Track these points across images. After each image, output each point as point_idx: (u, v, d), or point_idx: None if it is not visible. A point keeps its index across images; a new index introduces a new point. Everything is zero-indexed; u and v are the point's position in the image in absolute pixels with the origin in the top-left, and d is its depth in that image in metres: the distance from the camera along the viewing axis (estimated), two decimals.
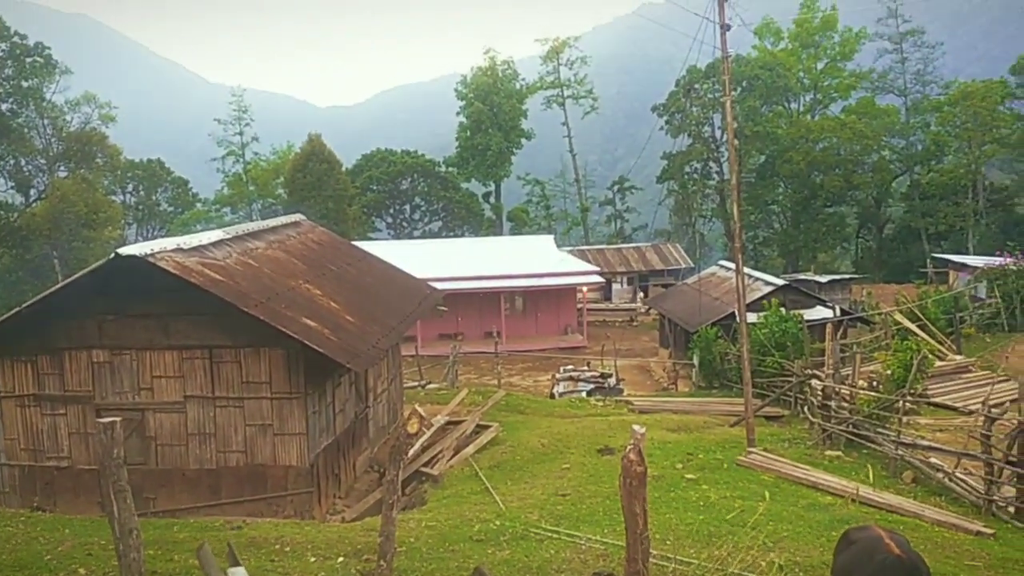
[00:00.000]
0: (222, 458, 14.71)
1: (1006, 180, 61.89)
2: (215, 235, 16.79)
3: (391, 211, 68.56)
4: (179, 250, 14.65)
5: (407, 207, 69.01)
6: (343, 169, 60.39)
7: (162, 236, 58.68)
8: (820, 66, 64.59)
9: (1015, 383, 17.96)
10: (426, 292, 22.99)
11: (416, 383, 28.16)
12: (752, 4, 19.54)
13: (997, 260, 38.44)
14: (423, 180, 67.60)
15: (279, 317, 14.25)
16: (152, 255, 13.79)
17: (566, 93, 71.56)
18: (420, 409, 16.41)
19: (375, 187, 66.29)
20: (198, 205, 69.41)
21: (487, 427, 19.45)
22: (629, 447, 9.21)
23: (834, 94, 65.07)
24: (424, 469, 17.03)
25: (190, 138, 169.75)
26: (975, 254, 49.81)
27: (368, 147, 74.03)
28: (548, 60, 71.33)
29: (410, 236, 64.74)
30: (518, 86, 69.84)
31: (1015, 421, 13.69)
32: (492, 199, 69.78)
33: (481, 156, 65.95)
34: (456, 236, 63.82)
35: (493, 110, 66.12)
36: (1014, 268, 35.93)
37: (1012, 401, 18.40)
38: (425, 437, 18.39)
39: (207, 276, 14.28)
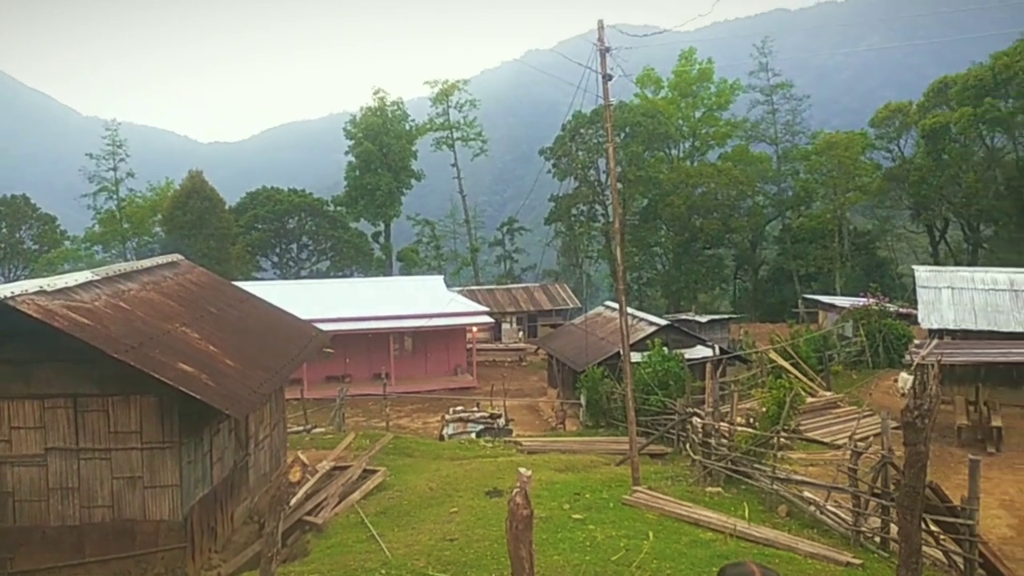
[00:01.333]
0: (86, 514, 13.80)
1: (868, 225, 66.18)
2: (83, 276, 15.92)
3: (277, 250, 67.04)
4: (42, 292, 13.80)
5: (294, 246, 67.67)
6: (226, 207, 58.69)
7: (26, 276, 55.36)
8: (698, 115, 67.76)
9: (879, 418, 19.01)
10: (312, 334, 22.45)
11: (301, 428, 27.35)
12: (632, 54, 20.27)
13: (861, 300, 40.84)
14: (311, 219, 66.51)
15: (152, 362, 13.59)
16: (11, 298, 12.93)
17: (455, 135, 72.29)
18: (303, 456, 15.94)
19: (260, 226, 64.75)
20: (66, 243, 65.76)
21: (374, 472, 19.05)
22: (515, 490, 9.19)
23: (711, 142, 68.33)
24: (307, 518, 16.48)
25: (60, 174, 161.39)
26: (842, 295, 52.80)
27: (253, 185, 72.39)
28: (438, 102, 72.00)
29: (297, 276, 63.41)
30: (408, 127, 70.10)
31: (879, 454, 14.43)
32: (382, 239, 69.33)
33: (370, 196, 65.64)
34: (345, 276, 62.89)
35: (383, 150, 66.04)
36: (876, 308, 38.25)
37: (875, 435, 19.46)
38: (309, 484, 17.84)
39: (72, 320, 13.49)
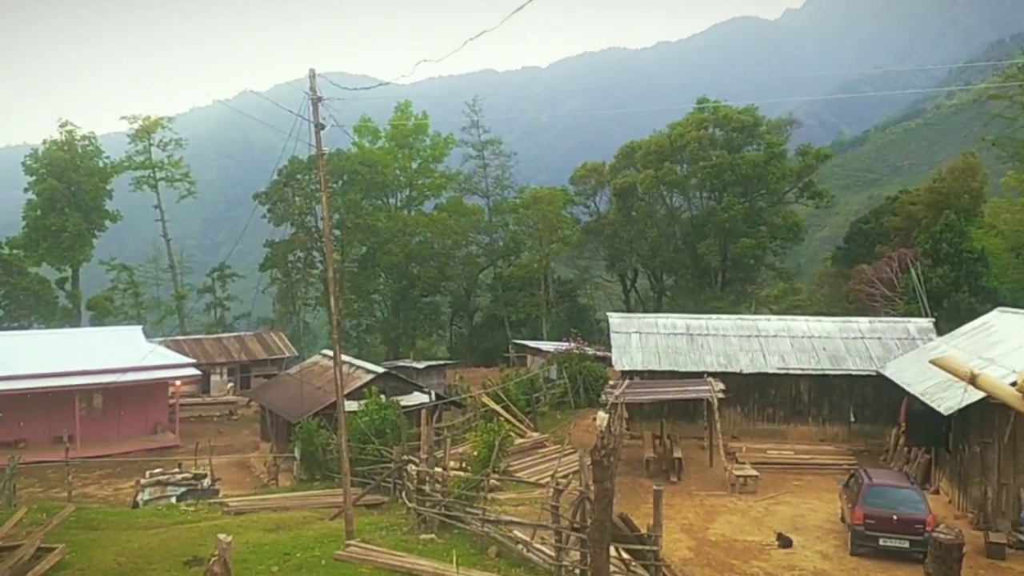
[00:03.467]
0: None
1: (570, 274, 71.49)
2: None
3: None
4: None
5: None
6: None
7: None
8: (415, 166, 69.55)
9: (578, 455, 20.31)
10: None
11: None
12: (350, 103, 20.30)
13: (564, 345, 43.76)
14: None
15: None
16: None
17: (159, 175, 67.65)
18: None
19: None
20: None
21: (51, 550, 16.80)
22: (213, 559, 8.57)
23: (427, 192, 70.33)
24: None
25: None
26: (548, 339, 56.30)
27: None
28: (138, 139, 67.02)
29: None
30: (102, 164, 64.30)
31: (577, 491, 15.36)
32: (68, 286, 62.48)
33: (55, 238, 59.34)
34: (21, 327, 55.65)
35: (71, 188, 60.14)
36: (577, 352, 41.21)
37: (575, 472, 20.74)
38: None
39: None
